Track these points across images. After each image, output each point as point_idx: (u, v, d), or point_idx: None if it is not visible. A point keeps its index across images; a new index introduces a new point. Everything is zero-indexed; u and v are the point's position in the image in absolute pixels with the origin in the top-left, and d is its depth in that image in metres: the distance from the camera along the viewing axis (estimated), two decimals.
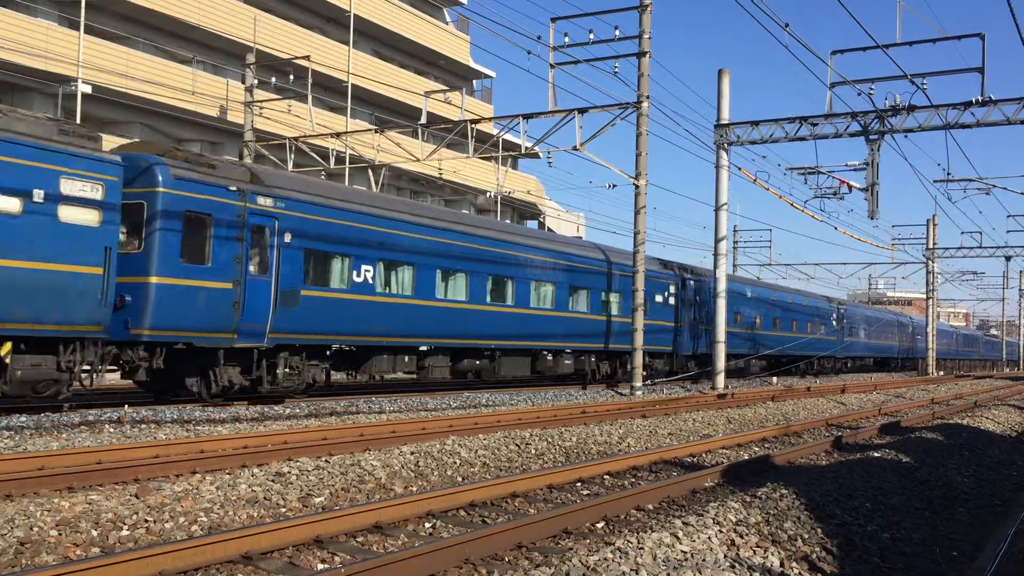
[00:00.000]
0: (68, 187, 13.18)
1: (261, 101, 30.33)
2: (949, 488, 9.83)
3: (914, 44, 24.33)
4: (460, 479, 9.61)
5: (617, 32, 23.43)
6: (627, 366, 25.39)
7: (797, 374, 41.14)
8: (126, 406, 14.54)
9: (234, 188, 15.69)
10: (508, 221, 48.78)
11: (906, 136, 24.91)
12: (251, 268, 15.94)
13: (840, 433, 14.95)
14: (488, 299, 21.80)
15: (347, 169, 29.11)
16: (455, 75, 47.74)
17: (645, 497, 8.35)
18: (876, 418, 19.40)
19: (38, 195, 12.83)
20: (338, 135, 27.48)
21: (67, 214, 13.16)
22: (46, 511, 6.77)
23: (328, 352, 18.13)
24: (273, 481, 8.33)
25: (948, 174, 36.54)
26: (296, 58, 30.59)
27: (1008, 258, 52.31)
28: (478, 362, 22.06)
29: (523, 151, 26.54)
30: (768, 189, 29.33)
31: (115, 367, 14.91)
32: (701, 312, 31.57)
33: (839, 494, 8.37)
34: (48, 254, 12.92)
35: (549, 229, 50.16)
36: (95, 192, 13.55)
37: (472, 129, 24.58)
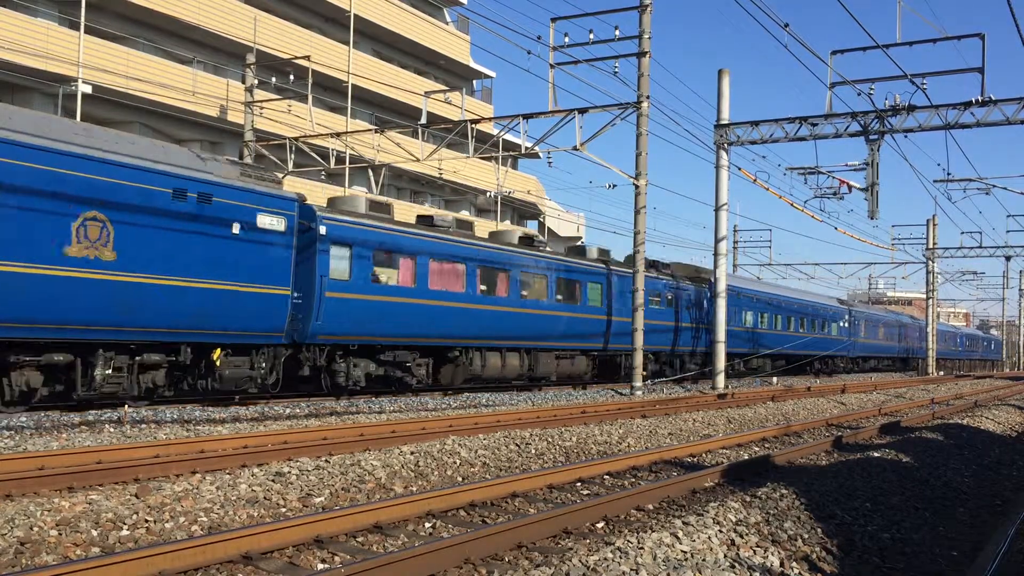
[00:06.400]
0: None
1: (261, 101, 30.33)
2: (949, 488, 9.83)
3: (914, 44, 24.33)
4: (460, 479, 9.61)
5: (617, 32, 23.44)
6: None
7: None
8: (126, 406, 14.56)
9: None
10: (508, 222, 48.82)
11: (906, 136, 24.92)
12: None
13: (840, 433, 14.94)
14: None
15: (347, 169, 29.10)
16: (455, 75, 47.73)
17: (645, 497, 8.35)
18: (876, 418, 19.39)
19: None
20: (338, 135, 27.46)
21: None
22: (46, 511, 6.77)
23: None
24: (273, 481, 8.33)
25: (948, 174, 36.58)
26: (296, 58, 30.59)
27: (1008, 258, 52.30)
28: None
29: (523, 151, 26.53)
30: (768, 189, 29.35)
31: None
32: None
33: (839, 494, 8.37)
34: None
35: (549, 229, 50.20)
36: None
37: (472, 129, 24.57)
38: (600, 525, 7.46)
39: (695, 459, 11.70)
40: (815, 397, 24.99)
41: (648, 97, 23.54)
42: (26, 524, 6.40)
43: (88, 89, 27.98)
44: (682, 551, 5.99)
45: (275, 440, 11.17)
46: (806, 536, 6.86)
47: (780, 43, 48.09)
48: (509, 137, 27.26)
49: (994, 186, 37.41)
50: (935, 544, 7.40)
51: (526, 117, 23.87)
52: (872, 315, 55.13)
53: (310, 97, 28.96)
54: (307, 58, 30.16)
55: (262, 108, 30.24)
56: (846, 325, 49.33)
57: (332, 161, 27.42)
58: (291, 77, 31.25)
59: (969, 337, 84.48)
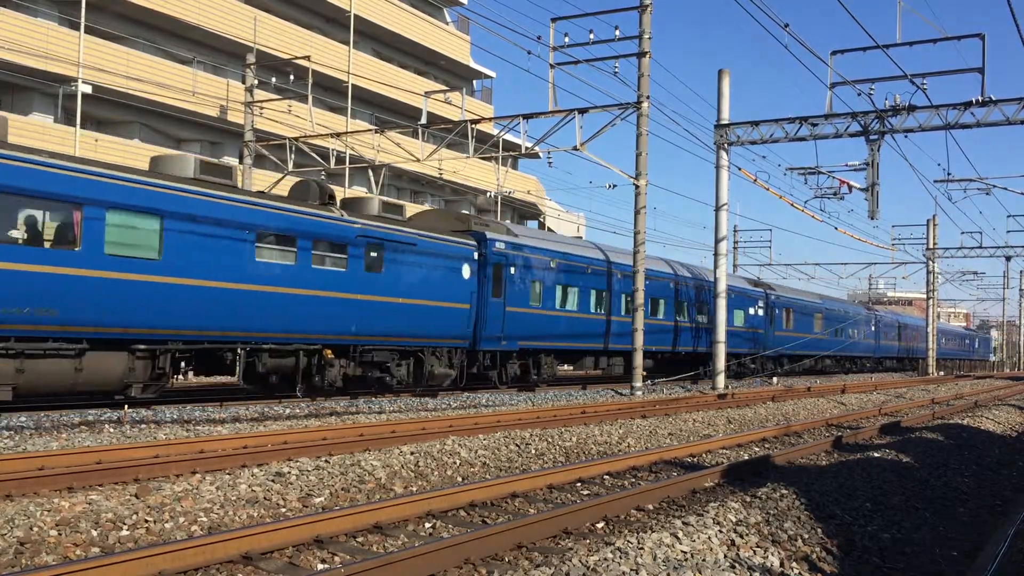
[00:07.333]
0: None
1: (261, 101, 30.34)
2: (949, 488, 9.83)
3: (914, 44, 24.32)
4: (460, 479, 9.61)
5: (617, 32, 23.43)
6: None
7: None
8: (126, 406, 14.55)
9: None
10: (508, 221, 48.79)
11: (906, 136, 24.92)
12: None
13: (840, 433, 14.94)
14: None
15: (347, 169, 29.10)
16: (455, 75, 47.74)
17: (645, 497, 8.35)
18: (876, 418, 19.40)
19: None
20: (338, 135, 27.46)
21: None
22: (46, 511, 6.77)
23: None
24: (273, 481, 8.33)
25: (948, 174, 36.61)
26: (296, 58, 30.60)
27: (1008, 258, 52.30)
28: None
29: (523, 151, 26.51)
30: (768, 189, 29.34)
31: None
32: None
33: (839, 494, 8.37)
34: None
35: (549, 229, 50.19)
36: None
37: (472, 129, 24.57)
38: (600, 525, 7.46)
39: (695, 459, 11.70)
40: (815, 397, 25.00)
41: (648, 97, 23.53)
42: (26, 524, 6.40)
43: (88, 89, 27.99)
44: (682, 551, 5.99)
45: (275, 440, 11.17)
46: (806, 536, 6.86)
47: (780, 43, 48.26)
48: (509, 137, 27.28)
49: (994, 186, 37.46)
50: (935, 544, 7.41)
51: (526, 117, 23.86)
52: (804, 303, 44.02)
53: (310, 97, 28.97)
54: (307, 58, 30.17)
55: (262, 108, 30.25)
56: (761, 313, 38.25)
57: (332, 161, 27.42)
58: (291, 77, 31.27)
59: (948, 334, 77.18)
